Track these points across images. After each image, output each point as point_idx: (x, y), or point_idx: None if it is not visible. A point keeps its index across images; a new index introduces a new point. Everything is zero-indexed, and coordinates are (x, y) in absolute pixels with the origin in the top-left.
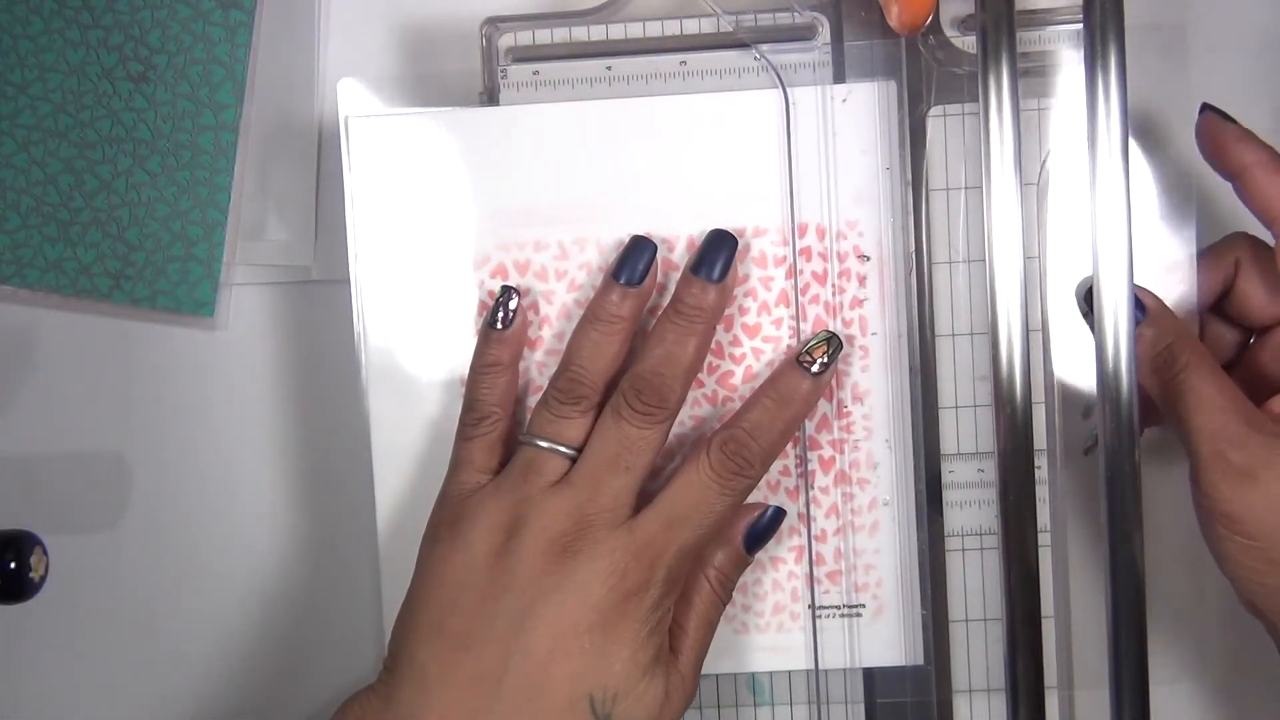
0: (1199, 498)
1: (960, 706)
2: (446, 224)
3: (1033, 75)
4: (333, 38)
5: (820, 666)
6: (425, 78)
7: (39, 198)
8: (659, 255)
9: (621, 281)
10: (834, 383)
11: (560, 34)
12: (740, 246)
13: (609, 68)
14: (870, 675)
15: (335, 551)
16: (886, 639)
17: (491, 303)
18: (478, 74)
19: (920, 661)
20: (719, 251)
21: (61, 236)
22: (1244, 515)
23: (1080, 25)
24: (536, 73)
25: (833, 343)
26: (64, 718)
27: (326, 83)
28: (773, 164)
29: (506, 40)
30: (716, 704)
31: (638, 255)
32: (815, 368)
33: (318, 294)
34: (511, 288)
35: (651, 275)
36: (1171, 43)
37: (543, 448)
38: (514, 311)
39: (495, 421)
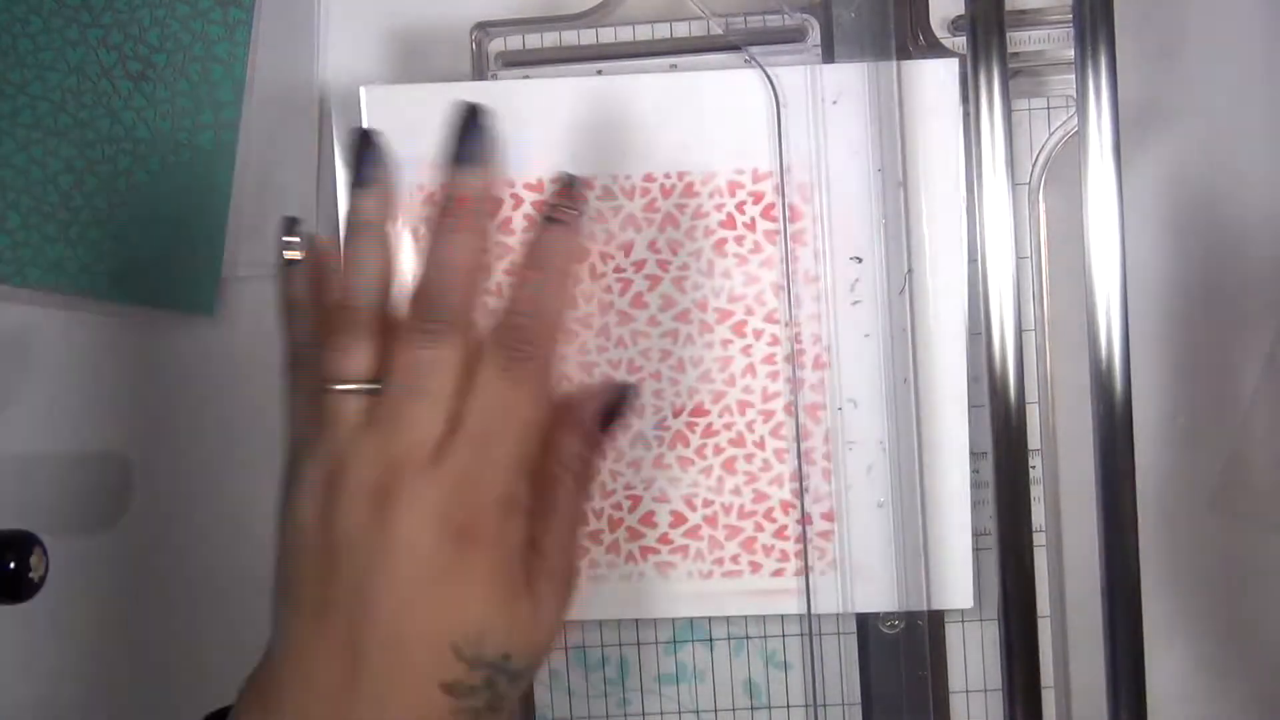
0: None
1: (957, 706)
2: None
3: (1023, 75)
4: (324, 43)
5: (818, 672)
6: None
7: (39, 197)
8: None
9: (357, 184)
10: (828, 385)
11: (550, 38)
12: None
13: (599, 71)
14: (867, 677)
15: None
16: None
17: None
18: (468, 79)
19: (918, 665)
20: (471, 131)
21: (61, 236)
22: None
23: (1070, 25)
24: (527, 77)
25: (573, 182)
26: (64, 717)
27: (326, 82)
28: (815, 153)
29: (496, 45)
30: (714, 708)
31: (363, 153)
32: (563, 215)
33: None
34: (294, 219)
35: (385, 168)
36: (1163, 42)
37: (336, 390)
38: (299, 246)
39: (308, 362)
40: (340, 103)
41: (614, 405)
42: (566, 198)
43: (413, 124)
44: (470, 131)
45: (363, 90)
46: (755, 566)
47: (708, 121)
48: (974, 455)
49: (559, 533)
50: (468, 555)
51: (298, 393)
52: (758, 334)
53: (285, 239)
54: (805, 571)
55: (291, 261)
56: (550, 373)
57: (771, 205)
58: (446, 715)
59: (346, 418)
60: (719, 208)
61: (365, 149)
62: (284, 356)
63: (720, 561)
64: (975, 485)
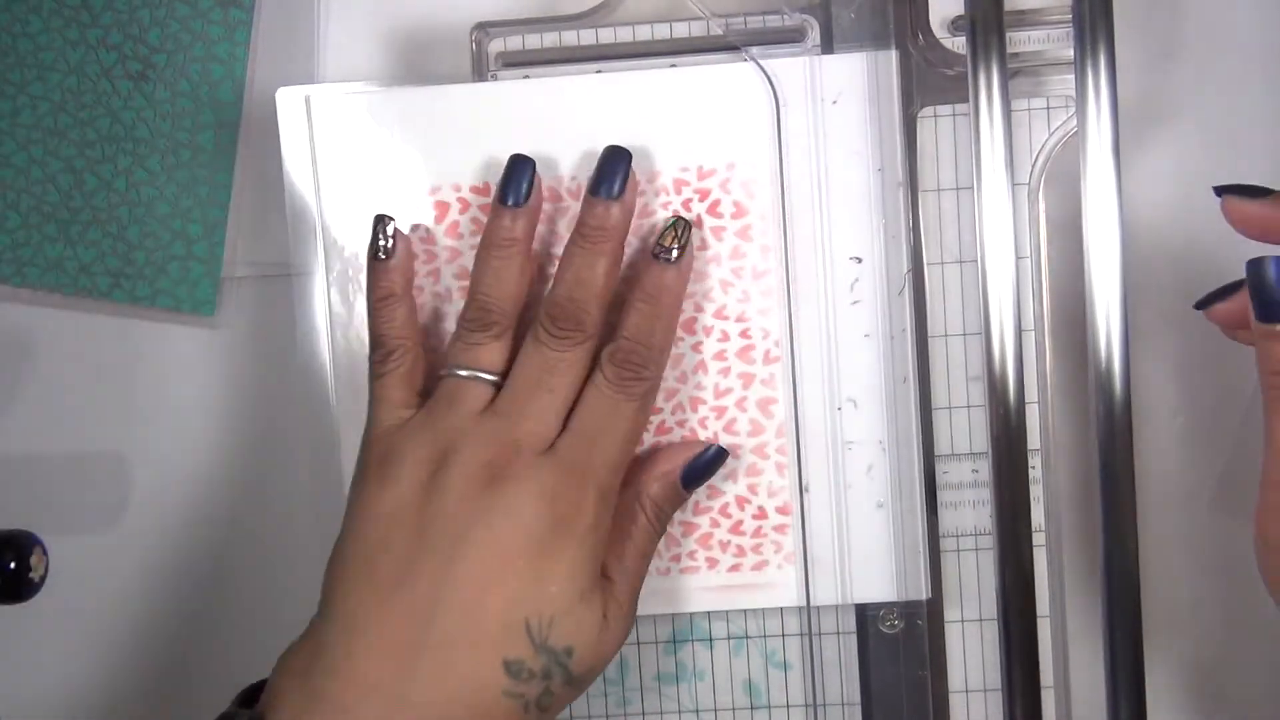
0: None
1: (956, 706)
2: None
3: (1023, 75)
4: (324, 43)
5: (818, 672)
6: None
7: (39, 197)
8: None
9: (509, 204)
10: (779, 379)
11: (550, 39)
12: (694, 219)
13: (599, 71)
14: (867, 677)
15: None
16: (884, 641)
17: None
18: (469, 79)
19: (918, 664)
20: (615, 168)
21: (61, 236)
22: None
23: (1070, 25)
24: (527, 77)
25: (679, 225)
26: (64, 717)
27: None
28: (762, 148)
29: (496, 45)
30: (714, 708)
31: (519, 174)
32: (674, 255)
33: (319, 294)
34: (384, 215)
35: (537, 192)
36: (1163, 42)
37: (463, 376)
38: (393, 238)
39: (404, 354)
40: (326, 107)
41: (703, 466)
42: (676, 239)
43: (329, 129)
44: (616, 169)
45: (279, 93)
46: (712, 562)
47: (652, 121)
48: (974, 455)
49: (629, 563)
50: (560, 539)
51: (389, 379)
52: (707, 330)
53: (378, 235)
54: (806, 575)
55: (385, 257)
56: (654, 395)
57: (717, 202)
58: (499, 695)
59: (467, 402)
60: (665, 205)
61: (523, 172)
62: (375, 343)
63: (677, 558)
64: (975, 485)
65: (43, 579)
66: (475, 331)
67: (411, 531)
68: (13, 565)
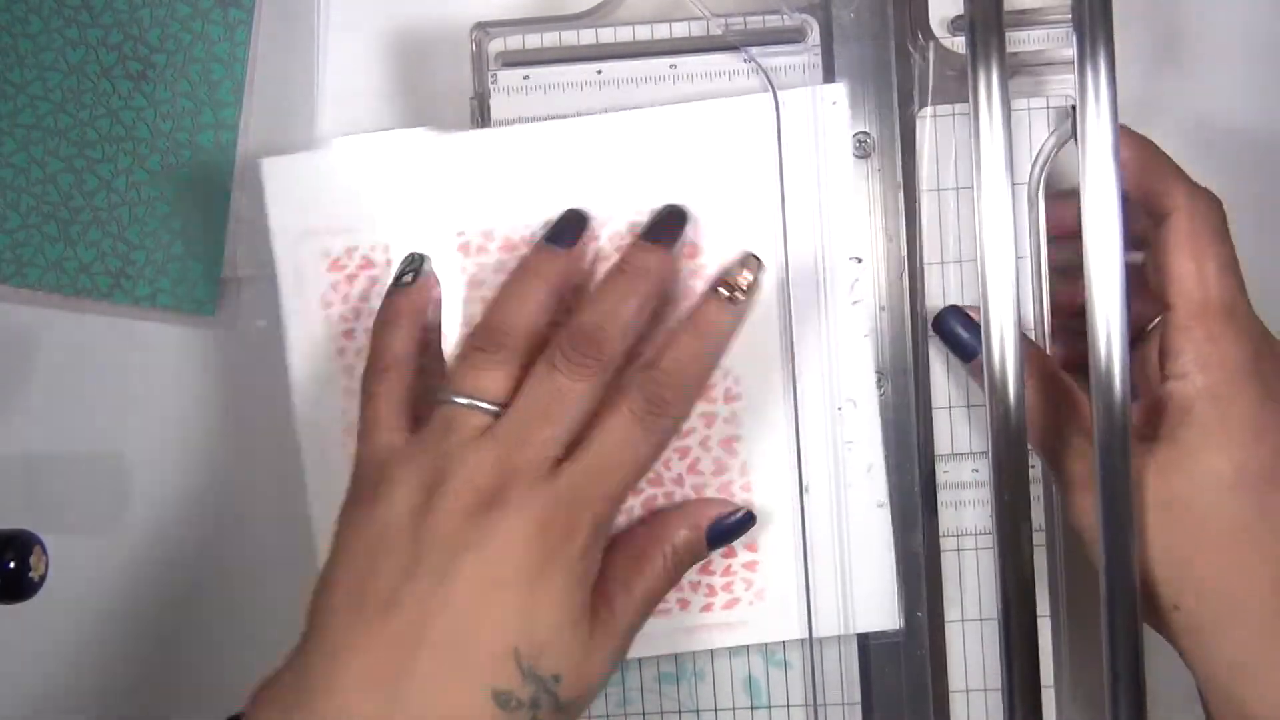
0: None
1: (957, 705)
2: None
3: (1023, 75)
4: (324, 43)
5: (818, 672)
6: (416, 85)
7: (39, 197)
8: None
9: (558, 244)
10: (827, 383)
11: (550, 38)
12: (690, 223)
13: (599, 71)
14: (867, 676)
15: None
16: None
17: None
18: (468, 79)
19: (918, 664)
20: (666, 223)
21: (61, 235)
22: None
23: (1069, 25)
24: (526, 77)
25: (750, 262)
26: (64, 717)
27: (326, 82)
28: (762, 168)
29: (496, 45)
30: (714, 707)
31: (571, 225)
32: (736, 295)
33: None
34: (416, 254)
35: (582, 244)
36: (1163, 42)
37: (460, 404)
38: (413, 273)
39: (397, 376)
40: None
41: (730, 527)
42: (744, 277)
43: (308, 193)
44: (668, 221)
45: (263, 163)
46: (684, 604)
47: (649, 166)
48: (974, 455)
49: (635, 599)
50: (552, 567)
51: (381, 400)
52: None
53: (405, 269)
54: (806, 574)
55: (406, 282)
56: (672, 435)
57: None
58: None
59: (462, 430)
60: (619, 250)
61: (574, 224)
62: (370, 362)
63: None
64: (975, 485)
65: (43, 579)
66: (482, 353)
67: (401, 556)
68: (13, 565)
